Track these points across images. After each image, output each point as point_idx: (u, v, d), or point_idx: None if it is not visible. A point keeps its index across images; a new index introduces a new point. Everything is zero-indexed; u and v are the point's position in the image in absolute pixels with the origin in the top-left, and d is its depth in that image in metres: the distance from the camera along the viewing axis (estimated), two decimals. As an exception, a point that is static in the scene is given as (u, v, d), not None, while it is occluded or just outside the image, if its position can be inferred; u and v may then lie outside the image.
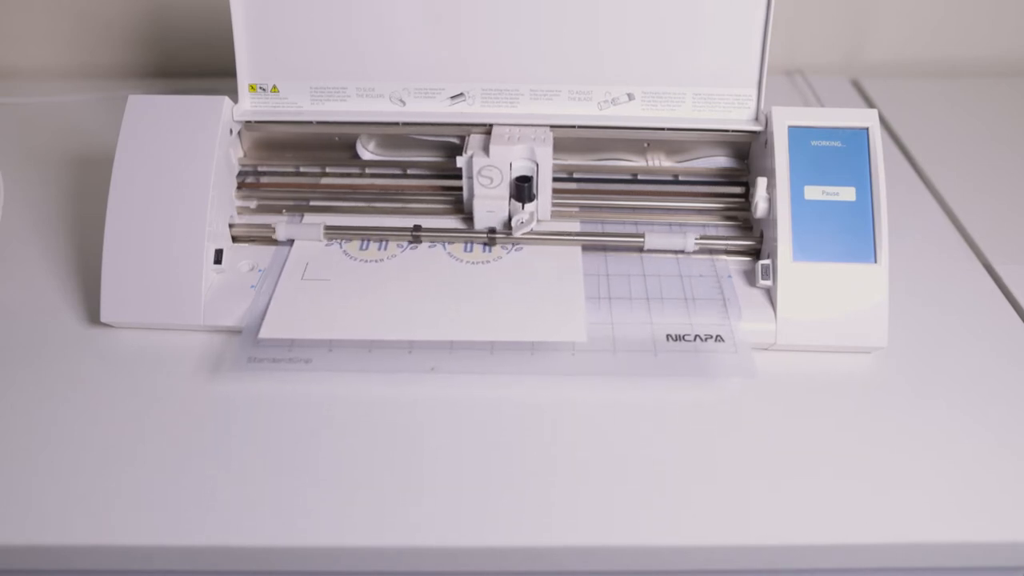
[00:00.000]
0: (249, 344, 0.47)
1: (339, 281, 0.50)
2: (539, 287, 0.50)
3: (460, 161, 0.52)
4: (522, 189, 0.51)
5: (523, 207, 0.52)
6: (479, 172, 0.51)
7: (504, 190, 0.52)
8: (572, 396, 0.46)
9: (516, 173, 0.52)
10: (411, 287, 0.50)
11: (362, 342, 0.48)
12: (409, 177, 0.57)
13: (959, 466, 0.43)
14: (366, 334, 0.47)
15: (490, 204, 0.52)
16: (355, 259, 0.52)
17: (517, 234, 0.52)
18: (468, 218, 0.54)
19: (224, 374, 0.47)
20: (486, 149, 0.51)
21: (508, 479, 0.42)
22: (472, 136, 0.53)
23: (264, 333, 0.47)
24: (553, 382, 0.47)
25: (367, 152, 0.58)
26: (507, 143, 0.51)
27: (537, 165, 0.52)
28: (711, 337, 0.48)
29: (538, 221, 0.54)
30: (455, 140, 0.56)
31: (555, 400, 0.46)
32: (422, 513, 0.40)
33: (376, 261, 0.52)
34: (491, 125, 0.53)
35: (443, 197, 0.56)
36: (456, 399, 0.46)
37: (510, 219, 0.52)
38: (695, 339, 0.48)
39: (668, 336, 0.48)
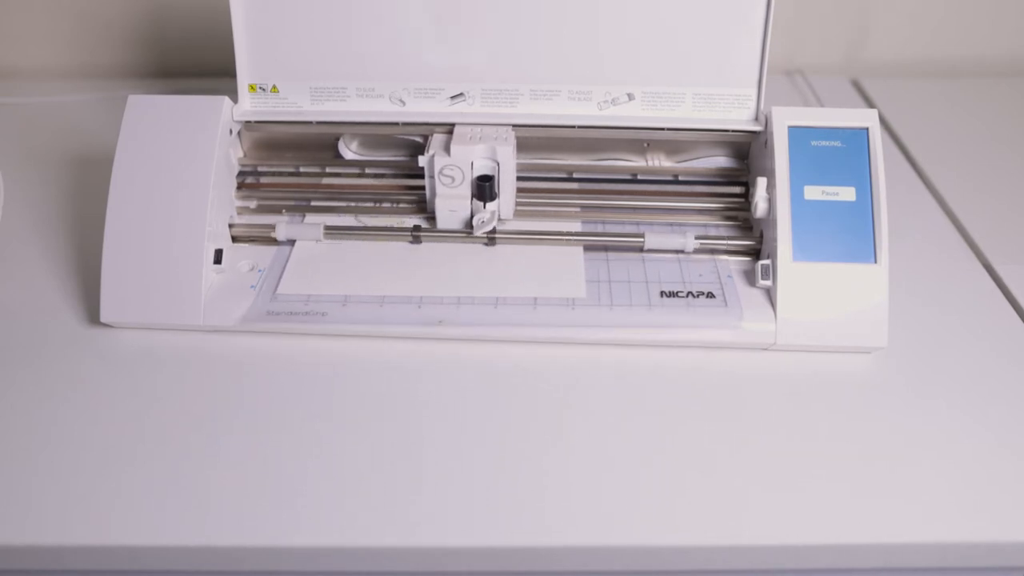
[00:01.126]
0: (267, 300, 0.50)
1: (352, 248, 0.53)
2: (541, 258, 0.52)
3: (422, 160, 0.52)
4: (483, 188, 0.51)
5: (484, 206, 0.52)
6: (440, 171, 0.52)
7: (466, 189, 0.52)
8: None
9: (477, 172, 0.52)
10: (420, 252, 0.53)
11: (374, 297, 0.50)
12: (407, 177, 0.57)
13: (959, 466, 0.43)
14: (378, 290, 0.50)
15: (452, 203, 0.53)
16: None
17: (478, 233, 0.53)
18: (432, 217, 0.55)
19: (247, 324, 0.49)
20: (447, 148, 0.52)
21: (508, 472, 0.42)
22: (435, 136, 0.54)
23: (283, 288, 0.50)
24: (554, 335, 0.49)
25: (349, 152, 0.58)
26: (468, 142, 0.52)
27: (498, 164, 0.52)
28: (703, 294, 0.50)
29: (500, 220, 0.54)
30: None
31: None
32: (422, 511, 0.40)
33: (384, 241, 0.54)
34: (454, 124, 0.54)
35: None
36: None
37: (472, 218, 0.53)
38: (687, 296, 0.50)
39: (662, 293, 0.50)
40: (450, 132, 0.53)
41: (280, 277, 0.51)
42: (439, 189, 0.52)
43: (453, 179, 0.52)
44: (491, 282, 0.51)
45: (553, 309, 0.49)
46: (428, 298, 0.50)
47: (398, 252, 0.53)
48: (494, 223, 0.53)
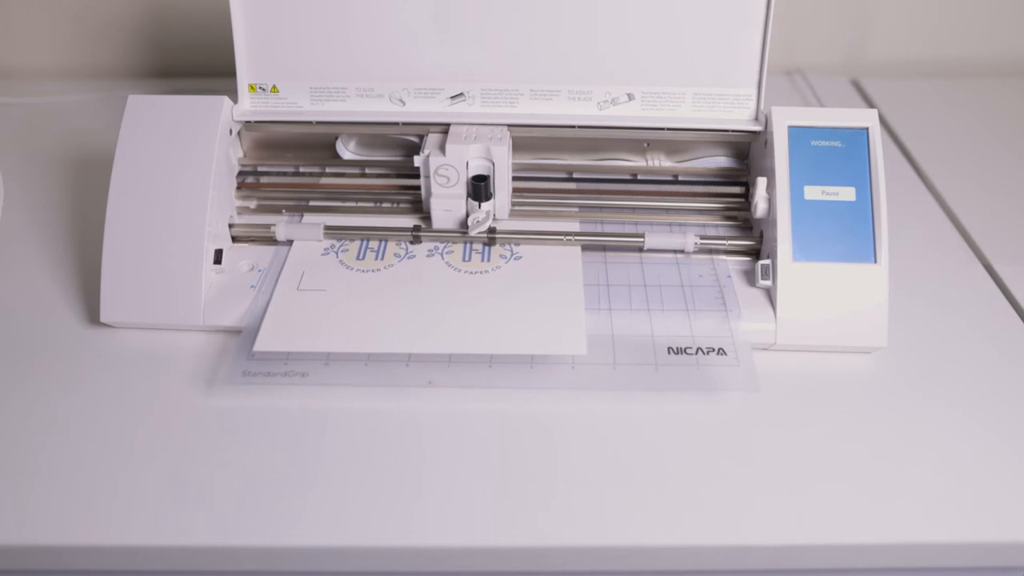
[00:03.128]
0: (244, 357, 0.47)
1: (335, 291, 0.50)
2: (538, 297, 0.49)
3: (417, 160, 0.52)
4: (478, 188, 0.51)
5: (480, 206, 0.52)
6: (436, 171, 0.52)
7: (461, 189, 0.52)
8: (572, 409, 0.46)
9: (473, 172, 0.52)
10: (408, 298, 0.49)
11: (359, 355, 0.47)
12: (407, 177, 0.57)
13: (959, 466, 0.43)
14: (363, 347, 0.46)
15: (447, 203, 0.53)
16: (352, 268, 0.51)
17: (473, 232, 0.52)
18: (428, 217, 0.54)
19: (219, 387, 0.47)
20: (442, 148, 0.52)
21: (506, 491, 0.42)
22: (430, 135, 0.53)
23: (259, 346, 0.46)
24: (553, 396, 0.46)
25: (347, 152, 0.58)
26: (463, 142, 0.51)
27: (493, 164, 0.52)
28: (713, 350, 0.47)
29: (496, 219, 0.54)
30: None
31: (555, 414, 0.45)
32: (419, 521, 0.40)
33: (373, 271, 0.51)
34: (450, 124, 0.53)
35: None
36: (454, 413, 0.45)
37: (468, 218, 0.53)
38: (696, 352, 0.47)
39: (669, 349, 0.47)
40: (446, 132, 0.53)
41: (257, 330, 0.47)
42: (434, 189, 0.52)
43: (448, 179, 0.52)
44: (484, 335, 0.47)
45: (552, 370, 0.46)
46: (417, 356, 0.47)
47: (384, 288, 0.50)
48: (489, 223, 0.53)
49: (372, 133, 0.57)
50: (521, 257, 0.52)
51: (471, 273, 0.51)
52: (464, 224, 0.53)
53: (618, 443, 0.44)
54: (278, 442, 0.44)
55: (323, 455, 0.43)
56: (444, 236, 0.53)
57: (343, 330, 0.47)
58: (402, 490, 0.41)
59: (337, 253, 0.53)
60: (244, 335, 0.48)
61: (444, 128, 0.53)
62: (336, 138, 0.58)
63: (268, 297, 0.49)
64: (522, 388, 0.46)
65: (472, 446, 0.44)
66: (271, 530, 0.40)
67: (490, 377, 0.46)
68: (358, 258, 0.52)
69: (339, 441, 0.44)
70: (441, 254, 0.53)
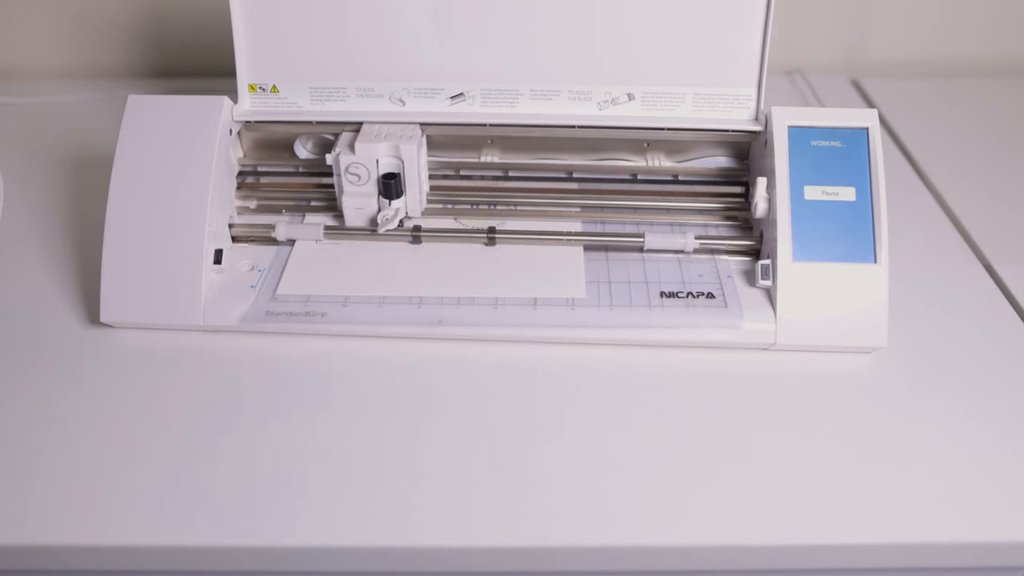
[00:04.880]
0: (267, 300, 0.50)
1: (351, 247, 0.53)
2: (541, 252, 0.53)
3: (329, 158, 0.53)
4: (388, 186, 0.52)
5: (390, 203, 0.52)
6: (346, 169, 0.52)
7: (372, 187, 0.53)
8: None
9: (383, 170, 0.52)
10: (420, 255, 0.53)
11: (373, 298, 0.50)
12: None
13: (959, 466, 0.43)
14: (378, 290, 0.50)
15: (359, 201, 0.53)
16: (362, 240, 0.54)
17: (382, 230, 0.53)
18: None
19: (246, 324, 0.49)
20: (352, 146, 0.52)
21: (508, 474, 0.42)
22: (343, 134, 0.54)
23: (283, 289, 0.50)
24: (554, 335, 0.49)
25: (304, 151, 0.58)
26: (373, 140, 0.52)
27: (403, 162, 0.52)
28: (703, 294, 0.50)
29: (408, 216, 0.54)
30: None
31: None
32: (422, 512, 0.40)
33: (384, 238, 0.54)
34: (363, 123, 0.54)
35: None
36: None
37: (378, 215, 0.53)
38: (687, 296, 0.50)
39: (662, 293, 0.50)
40: (358, 131, 0.53)
41: (280, 277, 0.51)
42: (346, 187, 0.53)
43: (359, 177, 0.52)
44: (491, 282, 0.51)
45: (553, 310, 0.49)
46: (428, 298, 0.50)
47: (398, 251, 0.53)
48: (398, 220, 0.53)
49: (323, 133, 0.57)
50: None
51: (477, 246, 0.54)
52: (375, 221, 0.53)
53: (617, 440, 0.44)
54: (279, 432, 0.44)
55: (323, 449, 0.43)
56: (444, 236, 0.53)
57: (359, 276, 0.51)
58: (403, 486, 0.41)
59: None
60: (265, 284, 0.51)
61: (356, 127, 0.54)
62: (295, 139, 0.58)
63: (288, 253, 0.53)
64: (526, 327, 0.49)
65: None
66: (271, 530, 0.40)
67: (495, 317, 0.49)
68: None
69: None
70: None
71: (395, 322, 0.49)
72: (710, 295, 0.50)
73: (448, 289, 0.50)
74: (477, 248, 0.53)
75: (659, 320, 0.49)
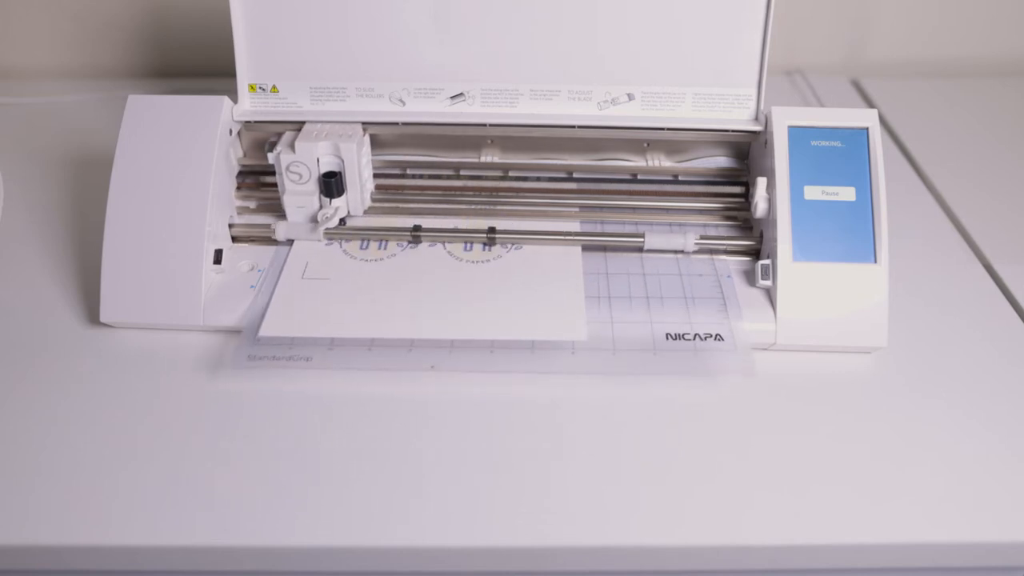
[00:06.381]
0: (249, 342, 0.47)
1: (339, 280, 0.51)
2: (539, 286, 0.50)
3: (271, 158, 0.53)
4: (329, 184, 0.52)
5: (330, 202, 0.52)
6: (287, 168, 0.52)
7: (313, 186, 0.52)
8: (572, 395, 0.46)
9: (324, 169, 0.52)
10: (411, 286, 0.50)
11: (362, 340, 0.48)
12: (411, 177, 0.57)
13: (959, 466, 0.43)
14: (366, 332, 0.47)
15: (300, 200, 0.53)
16: (355, 258, 0.52)
17: (321, 228, 0.53)
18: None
19: (224, 372, 0.47)
20: (292, 145, 0.52)
21: (507, 478, 0.42)
22: (286, 133, 0.54)
23: (264, 331, 0.47)
24: (553, 380, 0.47)
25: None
26: (313, 139, 0.52)
27: (343, 161, 0.52)
28: (710, 336, 0.48)
29: (350, 215, 0.54)
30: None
31: (555, 399, 0.46)
32: (422, 512, 0.40)
33: (376, 260, 0.52)
34: (304, 122, 0.54)
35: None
36: (456, 398, 0.46)
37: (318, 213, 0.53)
38: (695, 338, 0.48)
39: (668, 335, 0.48)
40: (298, 130, 0.53)
41: (262, 316, 0.48)
42: (287, 186, 0.53)
43: (300, 175, 0.52)
44: (486, 321, 0.48)
45: (552, 355, 0.47)
46: (419, 341, 0.48)
47: (387, 276, 0.51)
48: (338, 219, 0.53)
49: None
50: (521, 247, 0.53)
51: (473, 263, 0.52)
52: (315, 219, 0.53)
53: (617, 440, 0.44)
54: (279, 434, 0.44)
55: (323, 449, 0.43)
56: (444, 236, 0.53)
57: (347, 316, 0.48)
58: (403, 487, 0.41)
59: (340, 243, 0.53)
60: (248, 325, 0.48)
61: (298, 127, 0.54)
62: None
63: (272, 287, 0.50)
64: (523, 373, 0.47)
65: (472, 434, 0.44)
66: (271, 530, 0.40)
67: (491, 362, 0.47)
68: (361, 248, 0.53)
69: (340, 433, 0.44)
70: (443, 244, 0.53)
71: (384, 367, 0.47)
72: (719, 337, 0.48)
73: (440, 329, 0.47)
74: (472, 267, 0.51)
75: (664, 367, 0.46)
